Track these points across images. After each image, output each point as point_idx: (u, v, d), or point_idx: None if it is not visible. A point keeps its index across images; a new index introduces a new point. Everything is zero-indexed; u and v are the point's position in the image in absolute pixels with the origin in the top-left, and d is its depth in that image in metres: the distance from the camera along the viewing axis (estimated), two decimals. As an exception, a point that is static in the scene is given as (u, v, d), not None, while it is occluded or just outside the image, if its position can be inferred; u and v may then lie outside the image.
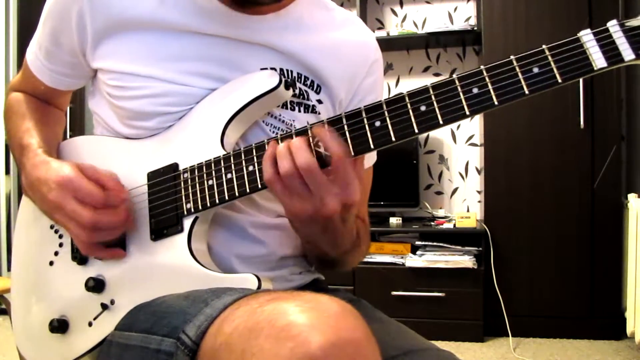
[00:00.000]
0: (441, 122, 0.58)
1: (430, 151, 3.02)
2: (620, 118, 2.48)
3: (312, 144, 0.61)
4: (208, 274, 0.65)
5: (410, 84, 3.03)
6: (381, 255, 2.63)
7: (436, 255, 2.54)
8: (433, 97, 0.58)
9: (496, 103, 0.56)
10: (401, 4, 3.06)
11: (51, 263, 0.76)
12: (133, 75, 0.71)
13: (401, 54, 3.05)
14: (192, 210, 0.68)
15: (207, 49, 0.72)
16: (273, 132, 0.74)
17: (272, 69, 0.73)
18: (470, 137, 2.98)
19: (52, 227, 0.77)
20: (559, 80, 0.54)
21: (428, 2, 3.03)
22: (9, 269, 2.95)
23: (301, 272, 0.83)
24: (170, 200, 0.69)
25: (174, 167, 0.70)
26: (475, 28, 2.72)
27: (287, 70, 0.75)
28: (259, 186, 0.64)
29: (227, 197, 0.66)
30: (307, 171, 0.59)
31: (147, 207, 0.71)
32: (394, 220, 2.77)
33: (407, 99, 0.59)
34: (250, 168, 0.65)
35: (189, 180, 0.69)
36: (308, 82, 0.77)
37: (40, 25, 0.78)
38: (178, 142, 0.71)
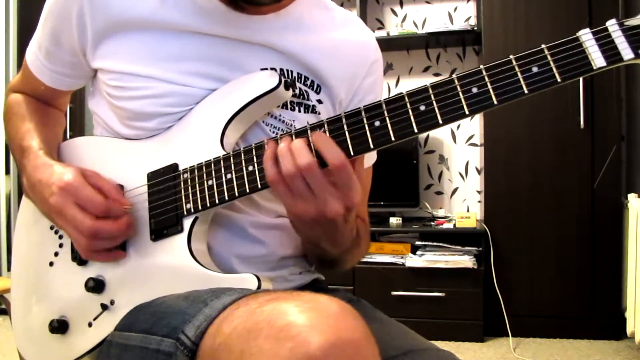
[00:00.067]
0: (441, 121, 0.58)
1: (430, 151, 3.02)
2: (620, 118, 2.48)
3: (312, 144, 0.61)
4: (208, 274, 0.65)
5: (410, 84, 3.03)
6: (381, 255, 2.63)
7: (436, 255, 2.54)
8: (432, 96, 0.58)
9: (495, 103, 0.56)
10: (401, 4, 3.06)
11: (51, 263, 0.76)
12: (133, 76, 0.71)
13: (401, 54, 3.05)
14: (192, 210, 0.68)
15: (207, 49, 0.72)
16: (273, 132, 0.74)
17: (272, 69, 0.73)
18: (470, 137, 2.98)
19: (52, 227, 0.77)
20: (558, 80, 0.54)
21: (428, 2, 3.03)
22: (9, 269, 2.95)
23: (301, 272, 0.83)
24: (170, 200, 0.69)
25: (174, 167, 0.70)
26: (475, 28, 2.72)
27: (287, 70, 0.75)
28: (259, 186, 0.64)
29: (227, 197, 0.66)
30: (308, 171, 0.59)
31: (147, 208, 0.71)
32: (394, 220, 2.77)
33: (406, 98, 0.59)
34: (250, 168, 0.65)
35: (189, 181, 0.69)
36: (308, 82, 0.77)
37: (40, 26, 0.78)
38: (178, 142, 0.71)
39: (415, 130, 0.59)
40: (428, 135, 3.00)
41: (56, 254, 0.76)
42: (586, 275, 2.47)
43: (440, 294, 2.50)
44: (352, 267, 2.58)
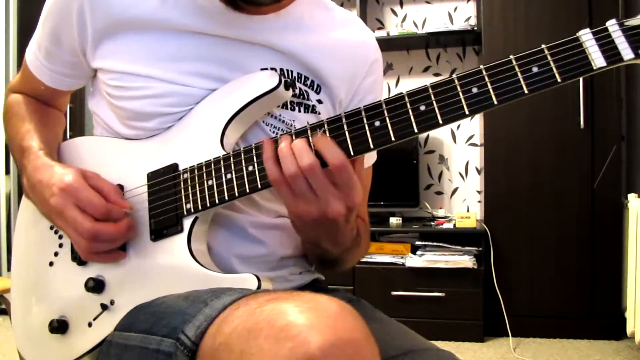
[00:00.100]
0: (441, 121, 0.58)
1: (430, 151, 3.02)
2: (620, 118, 2.48)
3: (312, 145, 0.61)
4: (208, 274, 0.65)
5: (410, 84, 3.03)
6: (381, 255, 2.63)
7: (436, 255, 2.54)
8: (432, 96, 0.58)
9: (495, 103, 0.56)
10: (401, 4, 3.06)
11: (51, 263, 0.76)
12: (133, 75, 0.71)
13: (401, 54, 3.05)
14: (192, 210, 0.68)
15: (207, 49, 0.72)
16: (273, 132, 0.74)
17: (272, 69, 0.73)
18: (470, 137, 2.98)
19: (51, 227, 0.77)
20: (558, 80, 0.54)
21: (428, 2, 3.03)
22: (9, 269, 2.95)
23: (301, 272, 0.83)
24: (170, 200, 0.69)
25: (174, 167, 0.70)
26: (475, 28, 2.72)
27: (287, 70, 0.75)
28: (259, 186, 0.64)
29: (226, 197, 0.66)
30: (310, 172, 0.59)
31: (146, 208, 0.71)
32: (394, 220, 2.77)
33: (406, 98, 0.59)
34: (250, 168, 0.65)
35: (189, 181, 0.69)
36: (308, 82, 0.77)
37: (39, 25, 0.78)
38: (178, 142, 0.71)
39: (415, 130, 0.59)
40: (428, 135, 3.00)
41: (56, 254, 0.76)
42: (586, 275, 2.47)
43: (440, 294, 2.50)
44: (352, 267, 2.58)
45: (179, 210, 0.68)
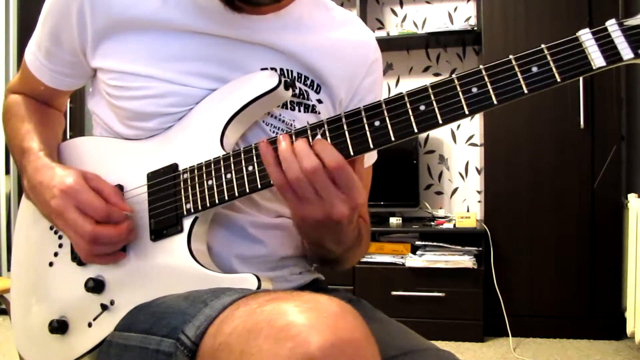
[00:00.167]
0: (440, 121, 0.58)
1: (430, 151, 3.02)
2: (620, 118, 2.48)
3: (312, 145, 0.61)
4: (208, 274, 0.65)
5: (410, 84, 3.03)
6: (381, 255, 2.63)
7: (436, 255, 2.54)
8: (432, 96, 0.58)
9: (495, 102, 0.56)
10: (401, 4, 3.06)
11: (51, 264, 0.76)
12: (133, 75, 0.71)
13: (401, 54, 3.05)
14: (192, 210, 0.68)
15: (208, 49, 0.72)
16: (273, 132, 0.74)
17: (272, 69, 0.73)
18: (470, 137, 2.98)
19: (51, 228, 0.77)
20: (558, 80, 0.54)
21: (428, 2, 3.03)
22: (9, 269, 2.94)
23: (301, 272, 0.83)
24: (170, 200, 0.69)
25: (174, 167, 0.70)
26: (475, 28, 2.72)
27: (287, 70, 0.75)
28: (259, 186, 0.64)
29: (226, 197, 0.66)
30: (314, 175, 0.59)
31: (146, 208, 0.71)
32: (394, 220, 2.77)
33: (406, 98, 0.59)
34: (250, 168, 0.65)
35: (189, 181, 0.69)
36: (308, 82, 0.77)
37: (39, 25, 0.78)
38: (178, 142, 0.71)
39: (415, 130, 0.58)
40: (428, 135, 3.00)
41: (56, 254, 0.76)
42: (586, 275, 2.47)
43: (440, 294, 2.50)
44: (352, 267, 2.58)
45: (178, 210, 0.68)
